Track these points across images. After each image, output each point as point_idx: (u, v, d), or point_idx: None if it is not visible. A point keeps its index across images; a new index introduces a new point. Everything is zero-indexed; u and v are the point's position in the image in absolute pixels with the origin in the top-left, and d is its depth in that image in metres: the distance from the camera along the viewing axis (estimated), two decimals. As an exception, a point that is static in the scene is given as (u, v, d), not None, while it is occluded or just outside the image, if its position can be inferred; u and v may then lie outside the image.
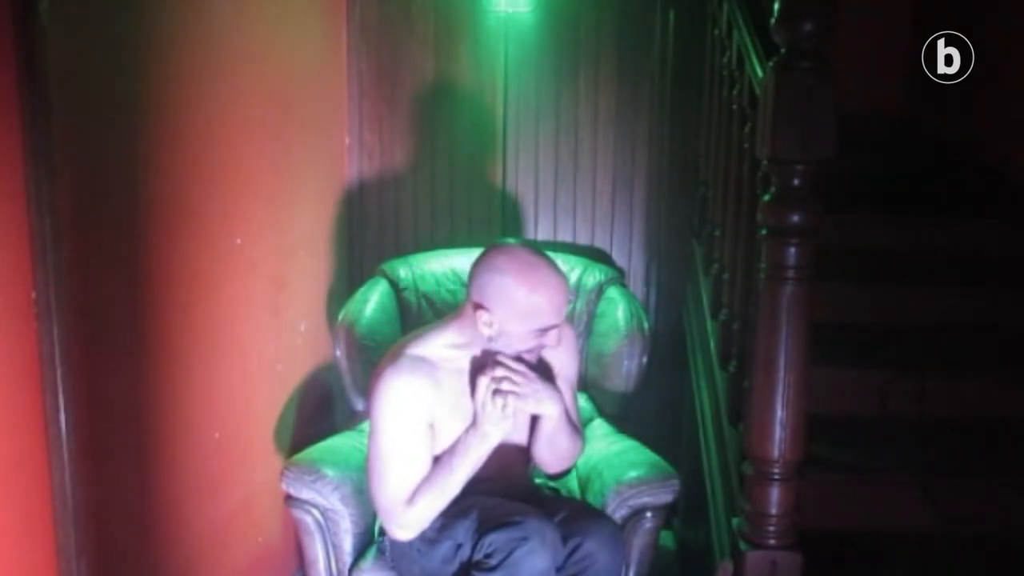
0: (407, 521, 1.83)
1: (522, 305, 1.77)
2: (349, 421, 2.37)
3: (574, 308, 2.49)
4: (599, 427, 2.30)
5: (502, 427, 1.81)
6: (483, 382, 1.79)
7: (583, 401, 2.41)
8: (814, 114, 1.45)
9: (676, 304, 2.82)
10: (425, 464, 1.84)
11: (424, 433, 1.83)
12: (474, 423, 1.82)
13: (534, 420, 1.95)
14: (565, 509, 1.91)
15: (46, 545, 1.46)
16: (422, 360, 1.84)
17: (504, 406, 1.79)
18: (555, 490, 2.15)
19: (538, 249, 1.86)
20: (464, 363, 1.88)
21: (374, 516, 2.04)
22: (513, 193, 2.91)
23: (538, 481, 2.15)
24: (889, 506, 1.87)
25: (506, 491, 1.92)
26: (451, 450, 1.85)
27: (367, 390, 1.95)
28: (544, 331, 1.81)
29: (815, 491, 1.68)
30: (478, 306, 1.80)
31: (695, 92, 2.67)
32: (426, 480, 1.83)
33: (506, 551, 1.69)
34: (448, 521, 1.84)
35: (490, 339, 1.82)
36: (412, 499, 1.82)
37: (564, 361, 2.00)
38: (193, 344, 1.91)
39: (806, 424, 1.53)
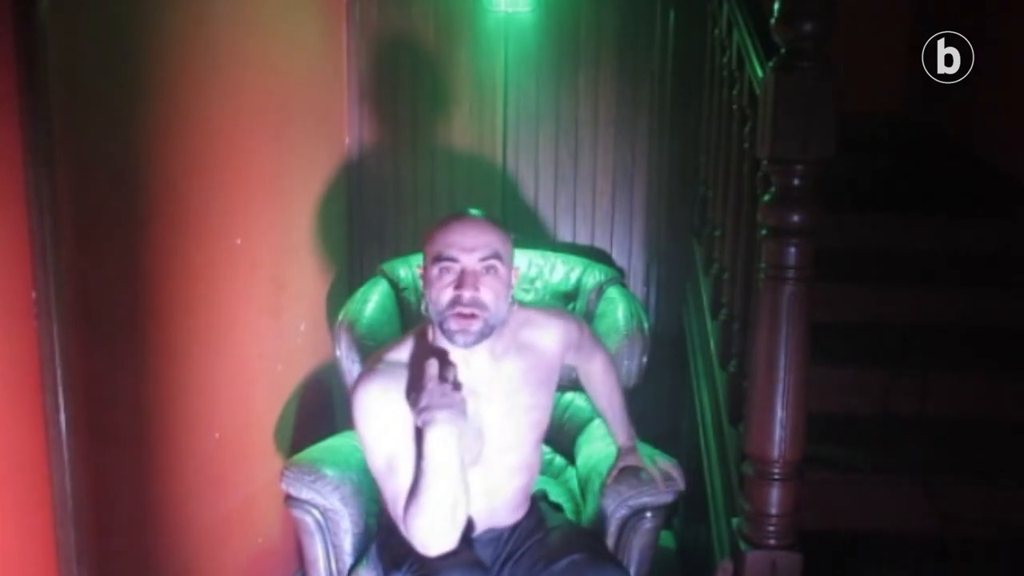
0: (416, 540, 1.60)
1: (428, 237, 1.66)
2: (349, 421, 2.36)
3: (574, 308, 2.49)
4: (599, 427, 2.30)
5: (445, 408, 1.54)
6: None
7: (582, 401, 2.42)
8: (814, 114, 1.45)
9: (676, 304, 2.82)
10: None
11: (410, 437, 1.63)
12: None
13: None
14: (573, 551, 1.71)
15: (46, 545, 1.46)
16: (399, 365, 1.70)
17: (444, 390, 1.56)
18: (558, 507, 2.03)
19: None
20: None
21: (374, 517, 2.04)
22: (513, 193, 2.91)
23: (539, 488, 2.04)
24: (889, 506, 1.87)
25: (490, 516, 1.81)
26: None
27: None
28: (447, 267, 1.62)
29: (815, 491, 1.67)
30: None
31: (695, 92, 2.67)
32: (409, 494, 1.62)
33: None
34: (388, 567, 1.75)
35: (426, 308, 1.68)
36: (404, 516, 1.62)
37: (555, 343, 1.83)
38: (193, 344, 1.91)
39: (806, 424, 1.53)
